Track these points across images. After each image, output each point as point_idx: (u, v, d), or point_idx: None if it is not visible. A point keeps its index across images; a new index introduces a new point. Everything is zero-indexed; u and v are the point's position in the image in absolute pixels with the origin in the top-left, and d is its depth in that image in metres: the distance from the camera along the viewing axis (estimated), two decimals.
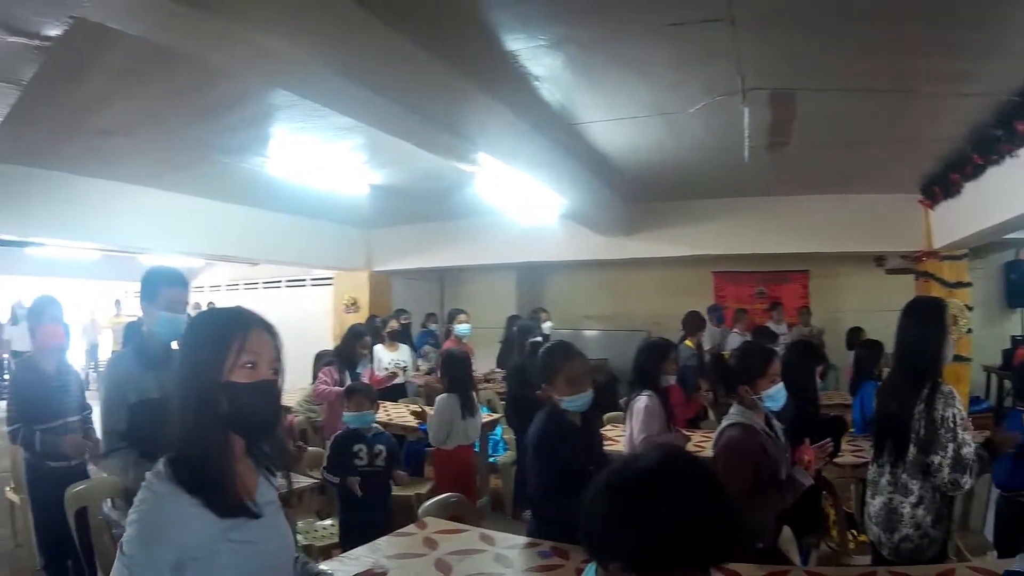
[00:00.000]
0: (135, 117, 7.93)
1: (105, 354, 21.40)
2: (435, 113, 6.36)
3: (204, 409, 2.20)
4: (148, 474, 2.17)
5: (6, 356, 17.28)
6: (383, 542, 4.22)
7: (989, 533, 5.64)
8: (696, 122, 7.57)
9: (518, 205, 10.62)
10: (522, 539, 4.35)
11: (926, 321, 4.34)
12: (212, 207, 13.00)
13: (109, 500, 4.61)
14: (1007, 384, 12.73)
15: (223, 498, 2.17)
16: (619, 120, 7.85)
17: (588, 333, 16.02)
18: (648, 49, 5.98)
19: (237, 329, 2.28)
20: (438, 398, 7.38)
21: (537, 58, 6.16)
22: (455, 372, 7.47)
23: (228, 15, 4.23)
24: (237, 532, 2.18)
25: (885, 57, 6.05)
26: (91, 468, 5.92)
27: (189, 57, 5.63)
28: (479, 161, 7.53)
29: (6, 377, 17.21)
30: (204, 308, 2.90)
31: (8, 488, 7.43)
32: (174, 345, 4.29)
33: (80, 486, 5.10)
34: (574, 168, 9.55)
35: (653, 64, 6.31)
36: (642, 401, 5.98)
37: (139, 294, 4.31)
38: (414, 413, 8.42)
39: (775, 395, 4.51)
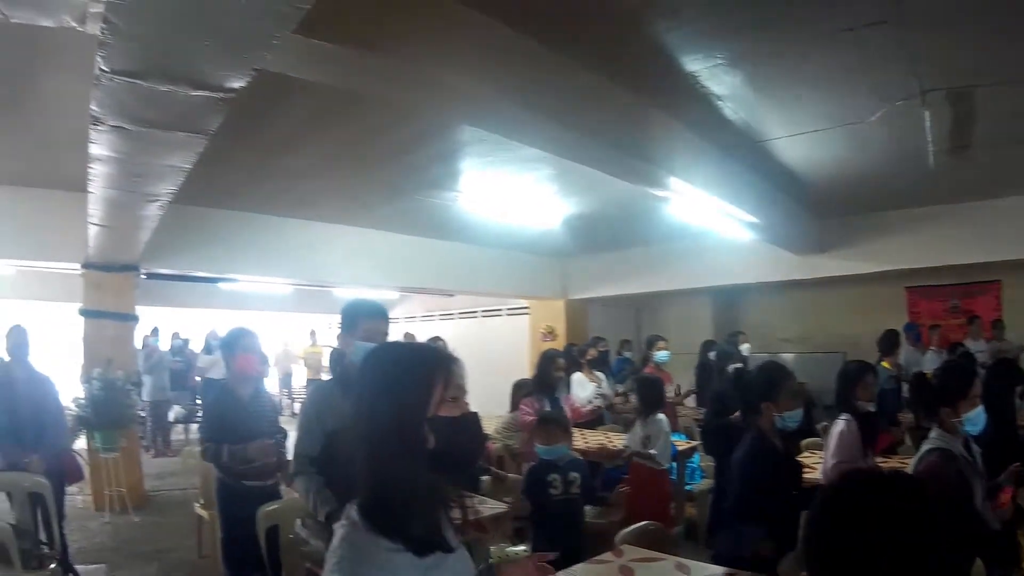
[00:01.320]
0: (326, 159, 8.24)
1: (299, 383, 22.08)
2: (622, 139, 6.38)
3: (410, 447, 2.14)
4: (341, 524, 2.14)
5: (199, 381, 17.65)
6: (578, 569, 4.20)
7: None
8: (878, 130, 7.40)
9: (711, 228, 10.45)
10: (719, 569, 4.30)
11: None
12: (405, 241, 13.32)
13: (299, 520, 4.71)
14: None
15: (425, 538, 2.12)
16: (802, 135, 7.72)
17: (784, 355, 15.51)
18: (822, 57, 5.86)
19: (442, 363, 2.26)
20: (656, 419, 7.41)
21: (717, 77, 6.13)
22: (648, 395, 7.50)
23: (411, 58, 4.33)
24: (436, 570, 2.15)
25: None
26: (283, 488, 6.04)
27: (376, 100, 5.78)
28: (670, 185, 7.47)
29: (198, 401, 17.78)
30: (393, 342, 2.91)
31: (197, 504, 7.83)
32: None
33: (273, 505, 5.33)
34: (763, 187, 9.42)
35: (828, 73, 6.19)
36: (838, 426, 5.85)
37: (339, 325, 4.40)
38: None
39: (975, 418, 4.37)
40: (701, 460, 9.26)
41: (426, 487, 2.16)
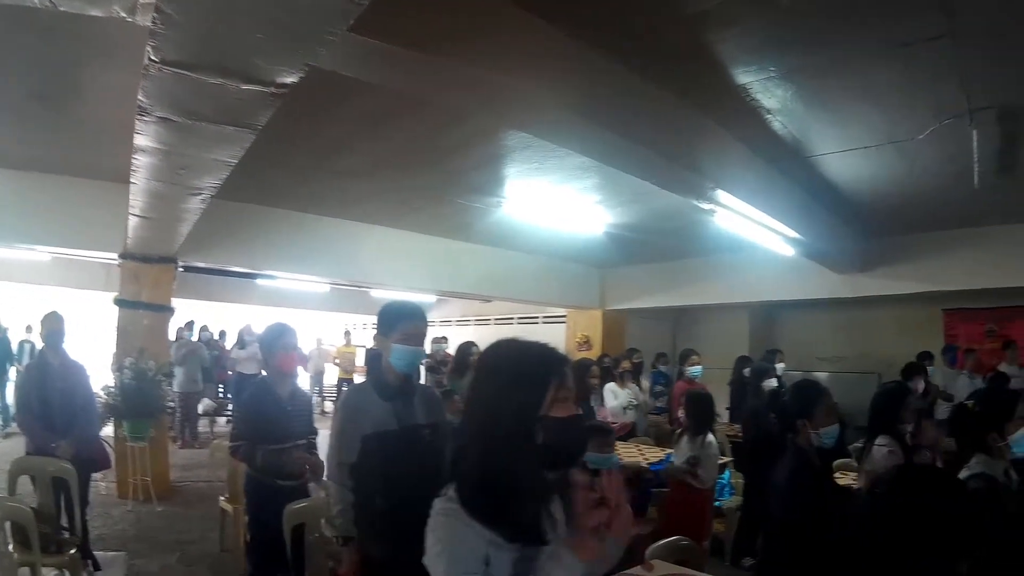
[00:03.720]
0: (374, 161, 8.27)
1: (331, 381, 22.13)
2: (671, 150, 6.35)
3: (521, 443, 2.21)
4: (440, 500, 2.21)
5: (229, 375, 17.75)
6: None
7: None
8: (926, 149, 7.36)
9: (752, 242, 10.38)
10: None
11: None
12: (445, 245, 13.37)
13: (323, 519, 4.70)
14: None
15: (518, 526, 2.20)
16: (851, 151, 7.68)
17: (818, 375, 15.12)
18: (874, 73, 5.83)
19: (558, 365, 2.30)
20: (708, 441, 7.37)
21: (768, 90, 6.10)
22: (699, 412, 7.47)
23: (466, 60, 4.30)
24: (533, 560, 2.16)
25: None
26: (311, 487, 6.02)
27: (427, 103, 5.76)
28: (717, 198, 7.44)
29: (223, 395, 18.15)
30: (513, 340, 2.82)
31: (222, 498, 7.93)
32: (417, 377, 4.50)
33: (301, 503, 5.37)
34: (809, 202, 9.38)
35: (880, 88, 6.14)
36: (882, 451, 5.75)
37: (376, 328, 4.37)
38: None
39: (1021, 440, 4.37)
40: (732, 477, 9.24)
41: (530, 482, 2.23)
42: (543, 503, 2.32)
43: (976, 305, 14.89)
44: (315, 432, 6.14)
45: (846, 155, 7.83)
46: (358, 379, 20.26)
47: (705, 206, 7.75)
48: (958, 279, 11.86)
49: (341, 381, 20.90)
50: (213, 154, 5.49)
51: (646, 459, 8.58)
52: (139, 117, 4.60)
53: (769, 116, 6.69)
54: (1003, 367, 11.74)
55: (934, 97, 6.21)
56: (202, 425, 16.60)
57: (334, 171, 8.91)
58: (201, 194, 6.74)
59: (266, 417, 5.72)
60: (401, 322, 4.27)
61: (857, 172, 8.48)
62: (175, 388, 13.57)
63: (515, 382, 2.28)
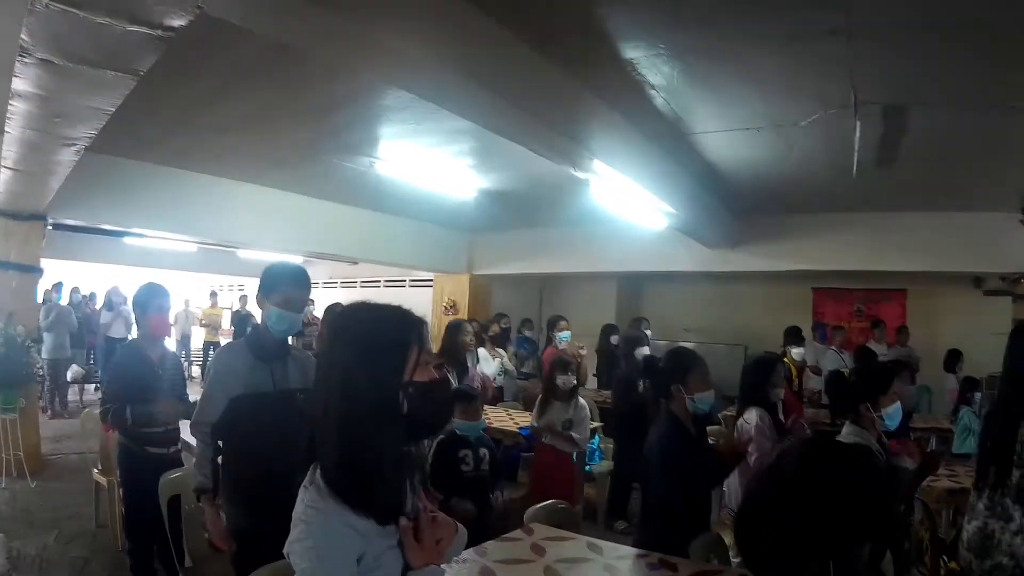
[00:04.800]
0: (248, 115, 8.05)
1: (197, 344, 21.82)
2: (551, 115, 6.32)
3: (386, 414, 2.13)
4: (307, 491, 2.11)
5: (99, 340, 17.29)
6: (490, 546, 4.20)
7: None
8: (807, 135, 7.51)
9: (625, 214, 10.49)
10: (630, 550, 4.34)
11: None
12: (316, 205, 13.18)
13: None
14: None
15: (390, 507, 2.14)
16: (731, 131, 7.78)
17: (685, 345, 15.64)
18: (766, 59, 5.91)
19: (418, 327, 2.24)
20: (580, 403, 7.60)
21: (656, 67, 6.11)
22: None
23: (354, 14, 4.23)
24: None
25: (997, 73, 5.92)
26: (184, 455, 5.93)
27: (306, 56, 5.68)
28: (593, 168, 7.45)
29: (92, 362, 17.65)
30: (363, 303, 2.75)
31: (95, 470, 7.63)
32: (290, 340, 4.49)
33: (175, 474, 5.25)
34: (685, 179, 9.50)
35: (770, 75, 6.24)
36: (753, 418, 5.93)
37: (258, 288, 4.28)
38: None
39: (895, 414, 4.57)
40: (601, 442, 9.41)
41: (396, 455, 2.16)
42: (410, 476, 2.29)
43: (845, 286, 15.57)
44: (187, 397, 6.06)
45: (727, 135, 7.93)
46: (224, 342, 20.16)
47: (581, 175, 7.78)
48: (828, 260, 12.33)
49: (207, 344, 20.71)
50: (91, 101, 5.35)
51: (516, 424, 8.72)
52: (20, 58, 4.46)
53: (653, 92, 6.70)
54: (871, 344, 12.13)
55: (822, 88, 6.35)
56: (72, 393, 16.25)
57: (206, 125, 8.67)
58: (75, 144, 6.56)
59: (138, 381, 5.62)
60: (283, 285, 4.22)
61: (736, 152, 8.62)
62: (43, 355, 13.26)
63: (374, 348, 2.19)
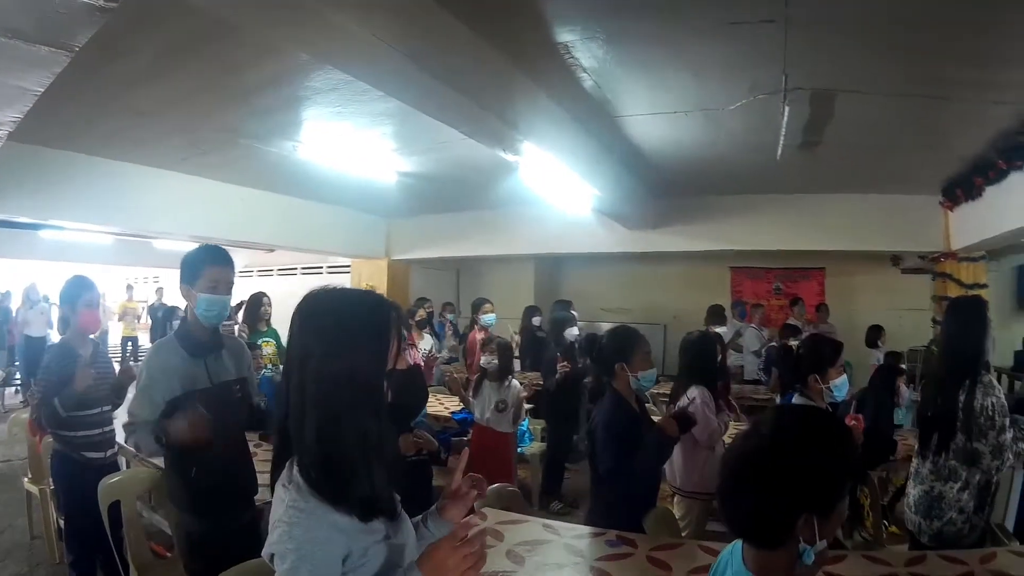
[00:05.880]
0: (174, 98, 7.89)
1: (115, 339, 21.29)
2: (486, 99, 6.35)
3: (369, 406, 2.07)
4: (287, 490, 2.03)
5: (18, 341, 16.76)
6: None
7: (1009, 525, 5.68)
8: (734, 119, 7.63)
9: (551, 196, 10.64)
10: (585, 528, 4.38)
11: (969, 319, 4.57)
12: (233, 191, 13.01)
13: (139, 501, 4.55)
14: (1018, 385, 13.10)
15: (370, 503, 2.07)
16: (659, 114, 7.88)
17: (605, 326, 15.71)
18: (700, 46, 6.01)
19: (394, 312, 2.18)
20: (512, 385, 7.65)
21: (590, 50, 6.16)
22: (504, 359, 7.67)
23: None
24: (395, 535, 2.16)
25: (922, 64, 6.17)
26: (122, 459, 5.82)
27: (240, 34, 5.60)
28: (522, 150, 7.49)
29: (16, 364, 17.02)
30: (330, 288, 2.65)
31: (26, 478, 7.23)
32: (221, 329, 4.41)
33: (114, 478, 5.09)
34: (609, 161, 9.57)
35: (703, 60, 6.34)
36: (696, 397, 6.01)
37: (180, 276, 4.16)
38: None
39: (842, 385, 4.83)
40: (530, 424, 9.42)
41: (377, 447, 2.09)
42: (393, 468, 2.21)
43: (763, 265, 15.88)
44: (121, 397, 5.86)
45: (653, 118, 8.03)
46: (142, 336, 19.75)
47: (511, 158, 7.82)
48: (748, 240, 12.60)
49: (125, 339, 20.37)
50: (22, 80, 5.11)
51: (448, 409, 8.79)
52: None
53: (584, 75, 6.76)
54: (791, 321, 12.44)
55: (753, 73, 6.47)
56: None
57: (131, 109, 8.39)
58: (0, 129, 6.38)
59: (72, 382, 5.37)
60: (207, 268, 4.11)
61: (661, 134, 8.70)
62: None
63: (356, 336, 2.10)
